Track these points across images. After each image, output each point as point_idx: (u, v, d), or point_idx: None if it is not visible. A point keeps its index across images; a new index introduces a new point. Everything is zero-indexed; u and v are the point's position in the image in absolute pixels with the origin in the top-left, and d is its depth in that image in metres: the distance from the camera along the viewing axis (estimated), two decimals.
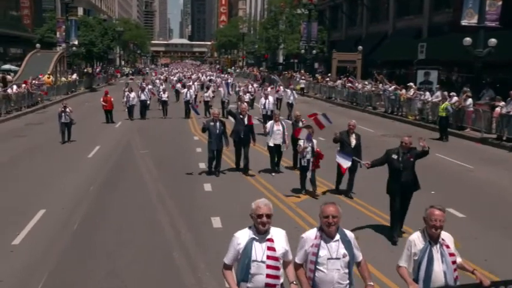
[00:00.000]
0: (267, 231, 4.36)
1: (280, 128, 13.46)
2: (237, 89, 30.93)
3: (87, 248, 8.46)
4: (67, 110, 18.99)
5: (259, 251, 4.32)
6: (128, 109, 26.02)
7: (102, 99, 25.47)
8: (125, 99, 25.94)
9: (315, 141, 11.53)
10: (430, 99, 25.12)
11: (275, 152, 13.64)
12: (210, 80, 45.33)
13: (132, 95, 26.05)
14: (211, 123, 13.22)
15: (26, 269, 7.61)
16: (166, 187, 12.50)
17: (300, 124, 13.20)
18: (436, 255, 4.59)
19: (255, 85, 34.38)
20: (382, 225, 9.43)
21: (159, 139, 20.24)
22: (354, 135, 11.44)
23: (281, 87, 30.40)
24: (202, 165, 14.56)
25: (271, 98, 21.40)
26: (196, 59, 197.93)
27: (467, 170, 15.14)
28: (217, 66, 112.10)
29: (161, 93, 28.14)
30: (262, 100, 21.18)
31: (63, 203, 11.04)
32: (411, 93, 27.29)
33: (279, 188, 12.31)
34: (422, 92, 26.63)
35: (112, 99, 25.41)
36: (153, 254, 8.20)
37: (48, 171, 14.27)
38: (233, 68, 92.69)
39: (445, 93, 23.94)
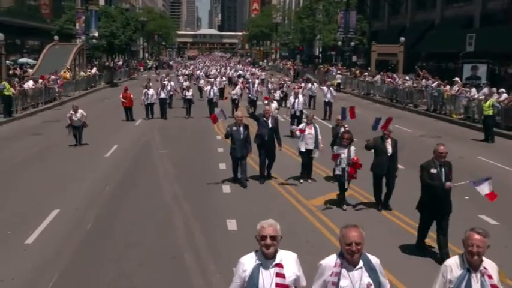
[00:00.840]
0: (274, 256, 4.20)
1: (313, 131, 13.34)
2: (269, 85, 31.09)
3: (99, 248, 9.14)
4: (78, 113, 18.69)
5: (266, 278, 4.14)
6: (145, 107, 26.32)
7: (121, 96, 26.33)
8: (143, 97, 26.27)
9: (352, 148, 11.15)
10: (476, 96, 25.05)
11: (306, 158, 13.58)
12: (239, 76, 45.25)
13: (151, 92, 26.22)
14: (234, 128, 13.10)
15: (37, 268, 8.32)
16: (183, 188, 13.18)
17: (342, 130, 12.52)
18: (476, 285, 4.32)
19: (287, 80, 34.46)
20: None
21: (179, 138, 20.97)
22: (389, 141, 11.16)
23: (313, 84, 30.74)
24: (223, 166, 15.17)
25: (301, 97, 21.44)
26: (226, 50, 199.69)
27: (509, 174, 15.27)
28: (248, 59, 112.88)
29: (185, 90, 28.05)
30: (292, 99, 21.42)
31: (77, 203, 11.81)
32: (456, 90, 27.24)
33: (305, 194, 12.58)
34: (468, 89, 26.58)
35: (132, 95, 26.26)
36: (164, 255, 8.83)
37: (63, 171, 15.14)
38: (265, 61, 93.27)
39: (494, 89, 23.88)
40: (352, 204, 11.65)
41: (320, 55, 77.26)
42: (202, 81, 38.09)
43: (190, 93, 27.73)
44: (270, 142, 13.62)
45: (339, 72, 48.17)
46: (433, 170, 8.51)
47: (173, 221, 10.68)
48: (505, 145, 20.47)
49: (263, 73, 48.99)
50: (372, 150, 11.42)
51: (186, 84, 30.89)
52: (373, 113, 30.03)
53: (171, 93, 29.28)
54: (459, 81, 28.04)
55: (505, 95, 23.40)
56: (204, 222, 10.54)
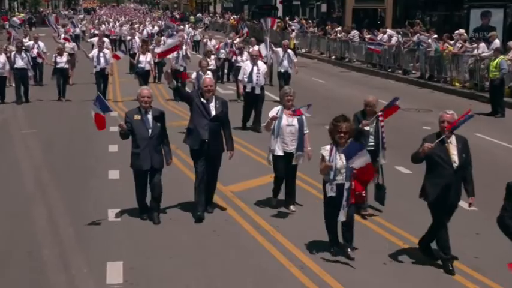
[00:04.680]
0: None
1: (296, 123, 11.82)
2: (211, 47, 30.55)
3: None
4: None
5: None
6: None
7: None
8: None
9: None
10: (486, 54, 25.92)
11: (283, 168, 12.01)
12: (160, 33, 44.95)
13: (1, 59, 25.06)
14: (136, 117, 11.32)
15: None
16: (54, 174, 14.57)
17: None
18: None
19: (236, 39, 33.29)
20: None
21: (55, 115, 22.24)
22: (454, 142, 9.52)
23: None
24: (113, 148, 16.21)
25: (262, 66, 20.48)
26: (142, 1, 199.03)
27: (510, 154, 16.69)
28: (174, 12, 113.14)
29: (56, 56, 26.25)
30: (247, 67, 20.16)
31: None
32: (458, 47, 28.52)
33: (221, 179, 12.90)
34: (474, 44, 27.65)
35: None
36: (18, 250, 10.12)
37: None
38: (199, 15, 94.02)
39: (511, 42, 24.74)
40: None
41: (279, 6, 78.38)
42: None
43: (64, 59, 26.37)
44: (213, 143, 11.62)
45: (293, 27, 48.60)
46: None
47: (33, 212, 11.93)
48: None
49: (197, 32, 49.60)
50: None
51: (69, 45, 30.64)
52: (348, 85, 31.75)
53: (40, 60, 28.74)
54: (464, 33, 29.16)
55: None
56: (78, 213, 11.85)
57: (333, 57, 42.23)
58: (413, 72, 32.37)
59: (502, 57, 22.86)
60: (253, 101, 19.35)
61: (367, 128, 11.53)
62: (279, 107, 11.99)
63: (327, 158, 9.65)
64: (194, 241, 10.53)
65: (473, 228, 11.03)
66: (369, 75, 34.76)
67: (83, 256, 9.82)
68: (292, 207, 12.11)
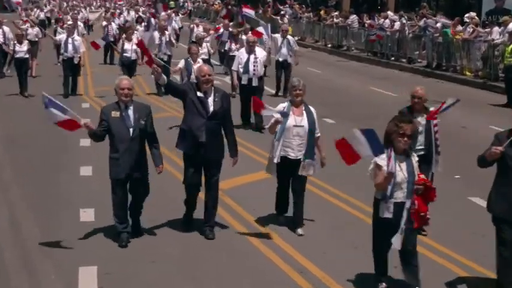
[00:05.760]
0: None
1: (305, 121, 10.98)
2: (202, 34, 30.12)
3: None
4: None
5: None
6: None
7: None
8: None
9: (413, 157, 8.76)
10: (499, 40, 26.27)
11: (285, 178, 11.18)
12: (139, 19, 44.35)
13: None
14: (114, 113, 10.30)
15: None
16: (18, 171, 14.44)
17: (420, 119, 10.75)
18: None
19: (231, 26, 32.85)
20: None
21: (18, 107, 22.12)
22: None
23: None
24: (84, 142, 15.92)
25: (260, 53, 19.68)
26: None
27: None
28: None
29: (15, 44, 25.48)
30: (242, 56, 19.54)
31: None
32: (469, 32, 28.66)
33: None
34: (488, 29, 27.94)
35: None
36: None
37: None
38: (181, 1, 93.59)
39: None
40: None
41: None
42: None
43: (24, 47, 25.31)
44: (212, 147, 10.64)
45: (284, 12, 48.23)
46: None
47: None
48: None
49: (177, 18, 49.15)
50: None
51: (32, 31, 30.05)
52: (347, 74, 31.52)
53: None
54: (475, 16, 29.24)
55: None
56: (44, 212, 11.67)
57: (329, 45, 42.36)
58: (419, 60, 32.52)
59: None
60: (250, 94, 17.69)
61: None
62: (286, 104, 11.05)
63: (384, 168, 8.35)
64: (180, 244, 10.32)
65: None
66: (369, 64, 35.10)
67: (51, 261, 9.55)
68: (299, 231, 10.87)
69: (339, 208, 12.11)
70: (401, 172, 8.32)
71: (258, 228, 11.02)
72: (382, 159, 8.36)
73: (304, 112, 10.92)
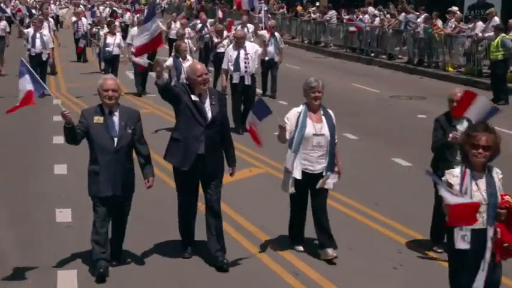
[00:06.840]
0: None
1: (326, 131, 9.68)
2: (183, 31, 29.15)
3: None
4: None
5: None
6: None
7: None
8: None
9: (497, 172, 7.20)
10: (483, 35, 25.95)
11: (302, 194, 9.81)
12: (113, 13, 43.90)
13: None
14: (96, 119, 8.97)
15: None
16: None
17: (461, 128, 9.23)
18: None
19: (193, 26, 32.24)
20: None
21: None
22: None
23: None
24: (58, 140, 15.48)
25: (251, 48, 18.35)
26: None
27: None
28: None
29: None
30: (231, 53, 18.15)
31: None
32: (452, 27, 28.43)
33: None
34: (470, 25, 27.46)
35: None
36: None
37: None
38: None
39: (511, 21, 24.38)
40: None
41: None
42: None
43: None
44: (211, 160, 9.48)
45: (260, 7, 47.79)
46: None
47: None
48: None
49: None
50: None
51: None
52: (325, 70, 31.36)
53: None
54: (457, 11, 29.11)
55: None
56: (18, 213, 11.31)
57: (306, 41, 42.10)
58: (400, 56, 32.27)
59: (503, 35, 22.78)
60: (243, 94, 17.25)
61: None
62: (301, 108, 9.67)
63: (456, 187, 6.96)
64: (165, 245, 9.84)
65: None
66: (348, 60, 34.68)
67: (27, 264, 9.09)
68: (330, 252, 9.40)
69: (333, 209, 11.57)
70: (478, 192, 6.90)
71: (247, 229, 10.61)
72: (455, 177, 7.04)
73: (323, 117, 9.64)
